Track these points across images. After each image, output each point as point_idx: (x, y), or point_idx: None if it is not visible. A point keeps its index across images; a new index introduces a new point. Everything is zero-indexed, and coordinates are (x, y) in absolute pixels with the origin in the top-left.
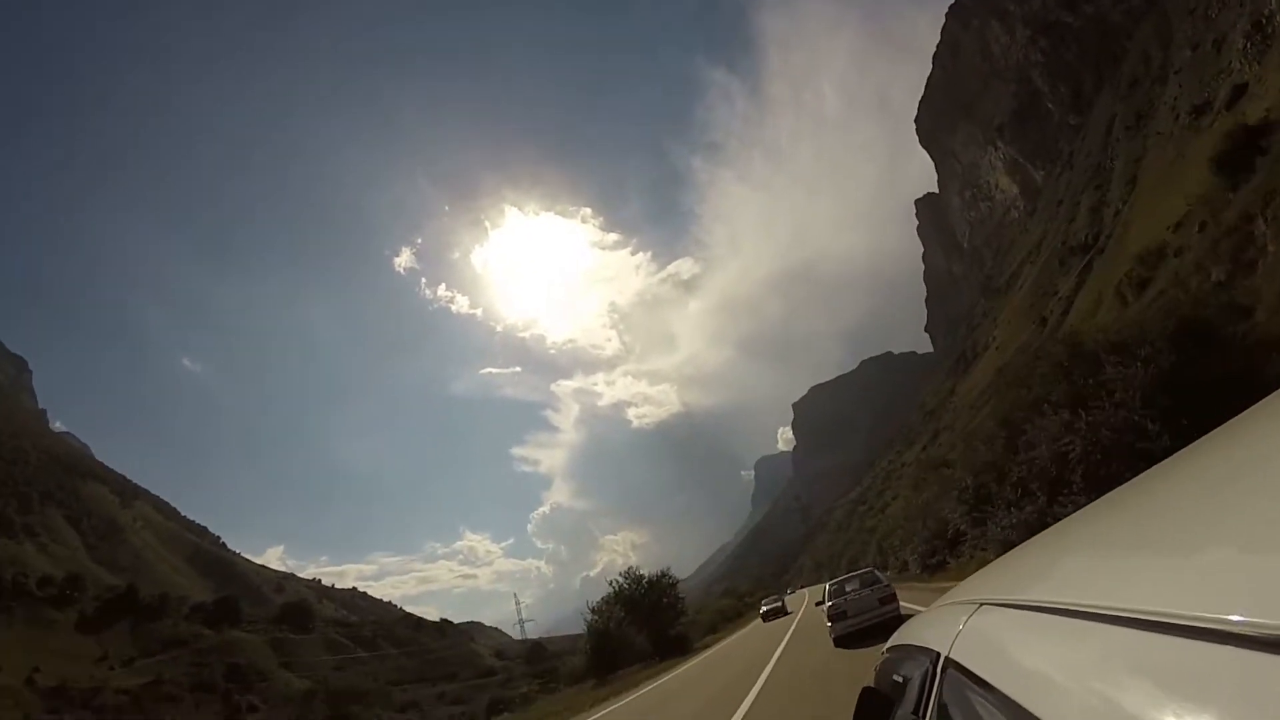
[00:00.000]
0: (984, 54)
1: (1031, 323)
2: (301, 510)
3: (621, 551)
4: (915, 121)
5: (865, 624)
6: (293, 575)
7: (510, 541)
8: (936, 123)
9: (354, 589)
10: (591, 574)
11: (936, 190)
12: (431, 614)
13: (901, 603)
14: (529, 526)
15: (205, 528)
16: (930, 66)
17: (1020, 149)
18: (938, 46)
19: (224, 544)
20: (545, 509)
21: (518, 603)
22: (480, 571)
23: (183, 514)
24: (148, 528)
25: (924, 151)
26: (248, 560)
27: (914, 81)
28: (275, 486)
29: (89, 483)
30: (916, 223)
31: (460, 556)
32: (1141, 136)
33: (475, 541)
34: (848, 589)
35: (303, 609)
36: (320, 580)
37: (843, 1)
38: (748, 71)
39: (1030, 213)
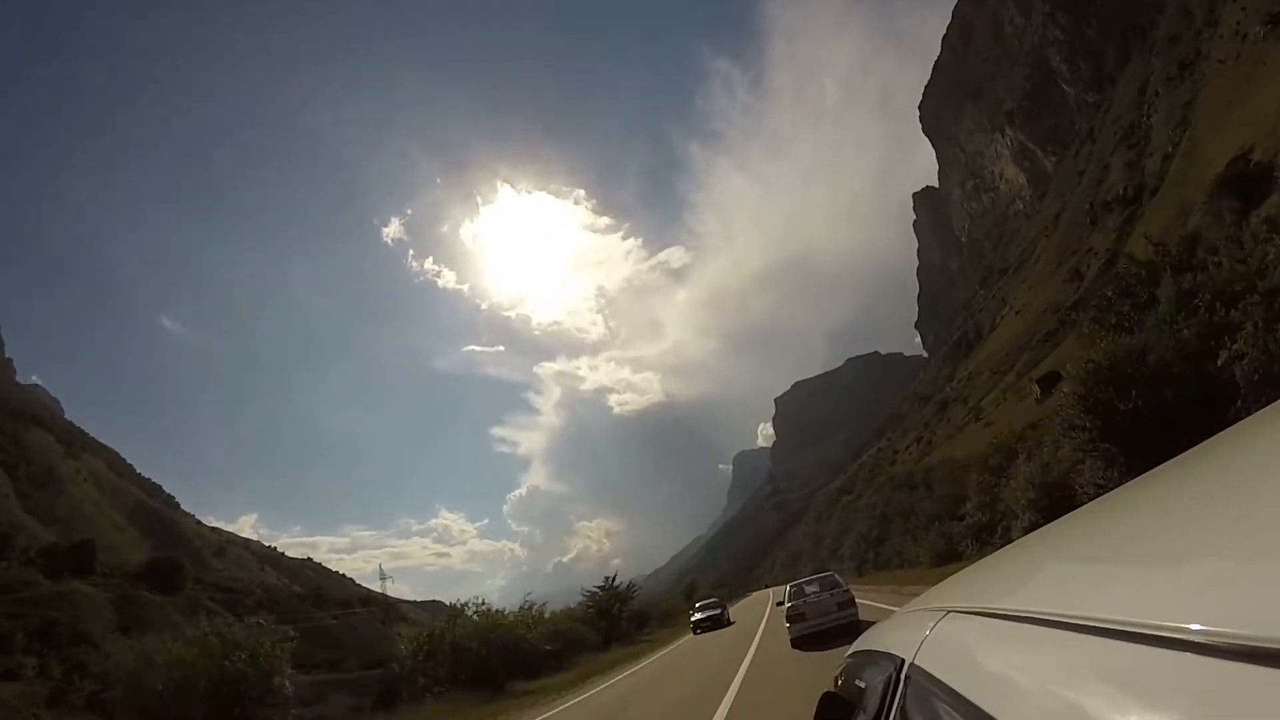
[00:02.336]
0: (997, 35)
1: (1061, 281)
2: (277, 480)
3: (596, 539)
4: (919, 108)
5: (823, 627)
6: (234, 540)
7: (485, 522)
8: (942, 108)
9: (308, 559)
10: (565, 559)
11: (936, 184)
12: (404, 591)
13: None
14: (505, 508)
15: (160, 487)
16: (938, 50)
17: (1031, 134)
18: (947, 28)
19: (176, 504)
20: (522, 491)
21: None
22: (454, 550)
23: (138, 472)
24: (91, 480)
25: (924, 148)
26: (200, 522)
27: (917, 79)
28: (252, 455)
29: (34, 430)
30: (913, 217)
31: (434, 534)
32: (1190, 80)
33: (450, 520)
34: (807, 591)
35: (171, 566)
36: (275, 548)
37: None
38: (751, 61)
39: (1041, 196)
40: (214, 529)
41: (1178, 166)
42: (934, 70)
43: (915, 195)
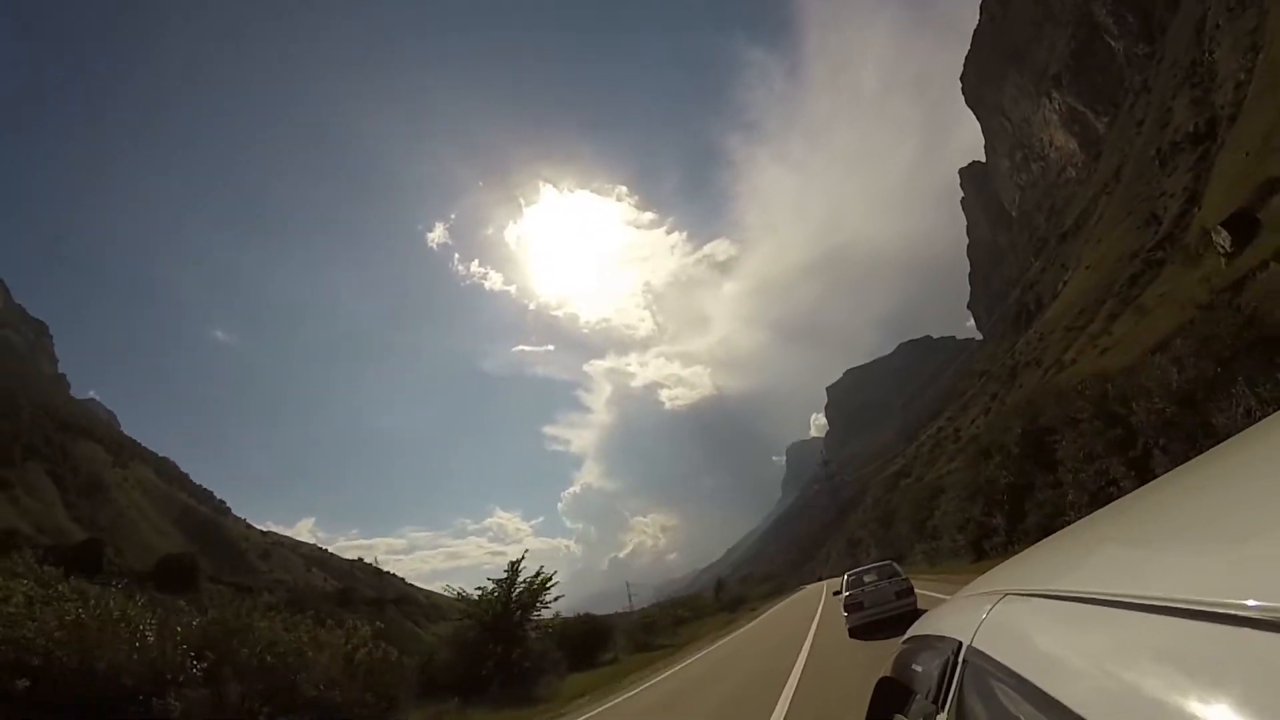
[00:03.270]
0: None
1: (1134, 229)
2: (335, 484)
3: (651, 534)
4: (961, 79)
5: (881, 616)
6: (282, 542)
7: (540, 520)
8: (984, 78)
9: (358, 560)
10: (620, 555)
11: (982, 160)
12: (462, 590)
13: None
14: (559, 505)
15: (210, 493)
16: (976, 21)
17: (1080, 96)
18: None
19: (227, 509)
20: (575, 489)
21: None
22: (509, 549)
23: (192, 479)
24: (138, 488)
25: (967, 125)
26: (251, 526)
27: (955, 57)
28: (309, 461)
29: (82, 441)
30: (960, 195)
31: (490, 533)
32: (1255, 6)
33: (505, 519)
34: (865, 580)
35: (184, 564)
36: (325, 550)
37: None
38: (787, 50)
39: (1096, 157)
40: (264, 532)
41: (1254, 91)
42: (974, 38)
43: (961, 171)
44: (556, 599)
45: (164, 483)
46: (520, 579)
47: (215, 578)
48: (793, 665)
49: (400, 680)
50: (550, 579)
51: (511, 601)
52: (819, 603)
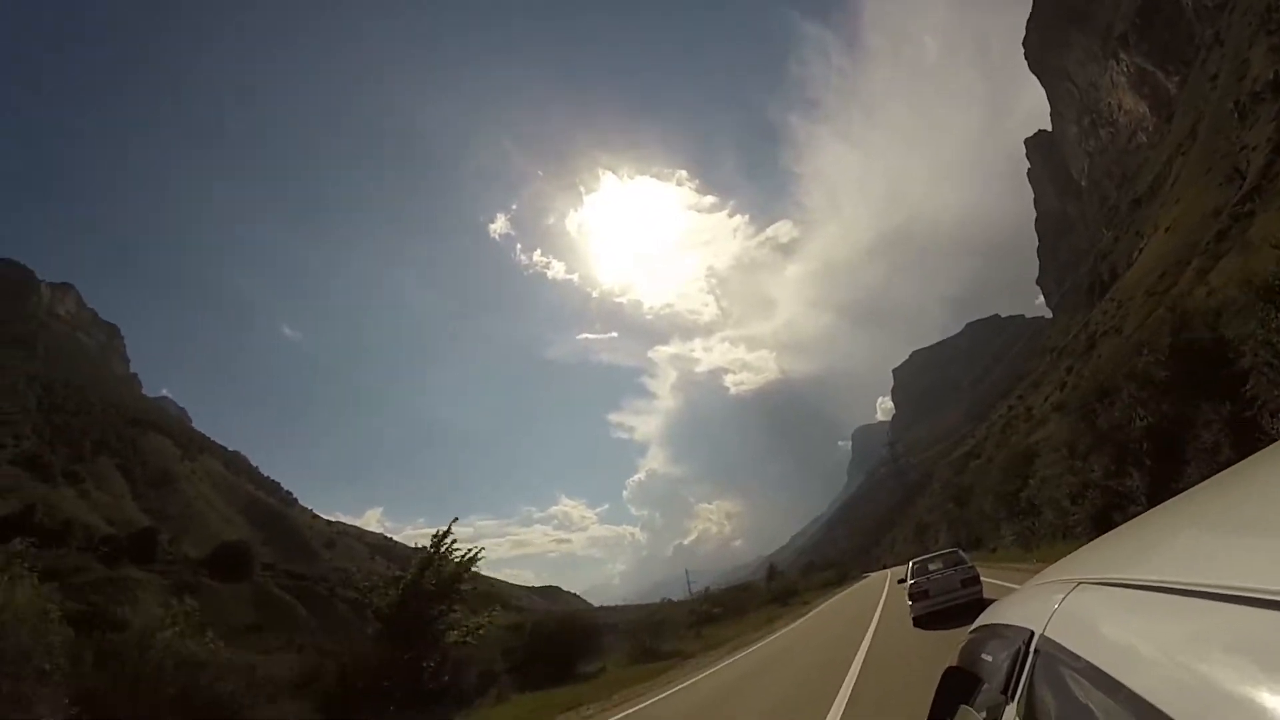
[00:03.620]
0: None
1: (1215, 186)
2: (401, 474)
3: (716, 520)
4: (1023, 44)
5: (947, 605)
6: (347, 531)
7: (605, 507)
8: (1047, 41)
9: (421, 548)
10: (686, 542)
11: (1048, 129)
12: (528, 577)
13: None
14: (624, 493)
15: (278, 484)
16: None
17: (1148, 55)
18: None
19: (293, 500)
20: (640, 476)
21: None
22: (575, 536)
23: (260, 471)
24: (206, 480)
25: (1030, 95)
26: (317, 516)
27: (1016, 24)
28: (376, 452)
29: (150, 435)
30: (1027, 166)
31: (555, 521)
32: None
33: (570, 507)
34: (931, 568)
35: (238, 552)
36: (389, 538)
37: None
38: (842, 23)
39: (1168, 118)
40: (330, 522)
41: None
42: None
43: (1027, 141)
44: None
45: (231, 475)
46: (456, 555)
47: (270, 565)
48: (832, 701)
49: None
50: (478, 555)
51: (419, 585)
52: (880, 596)
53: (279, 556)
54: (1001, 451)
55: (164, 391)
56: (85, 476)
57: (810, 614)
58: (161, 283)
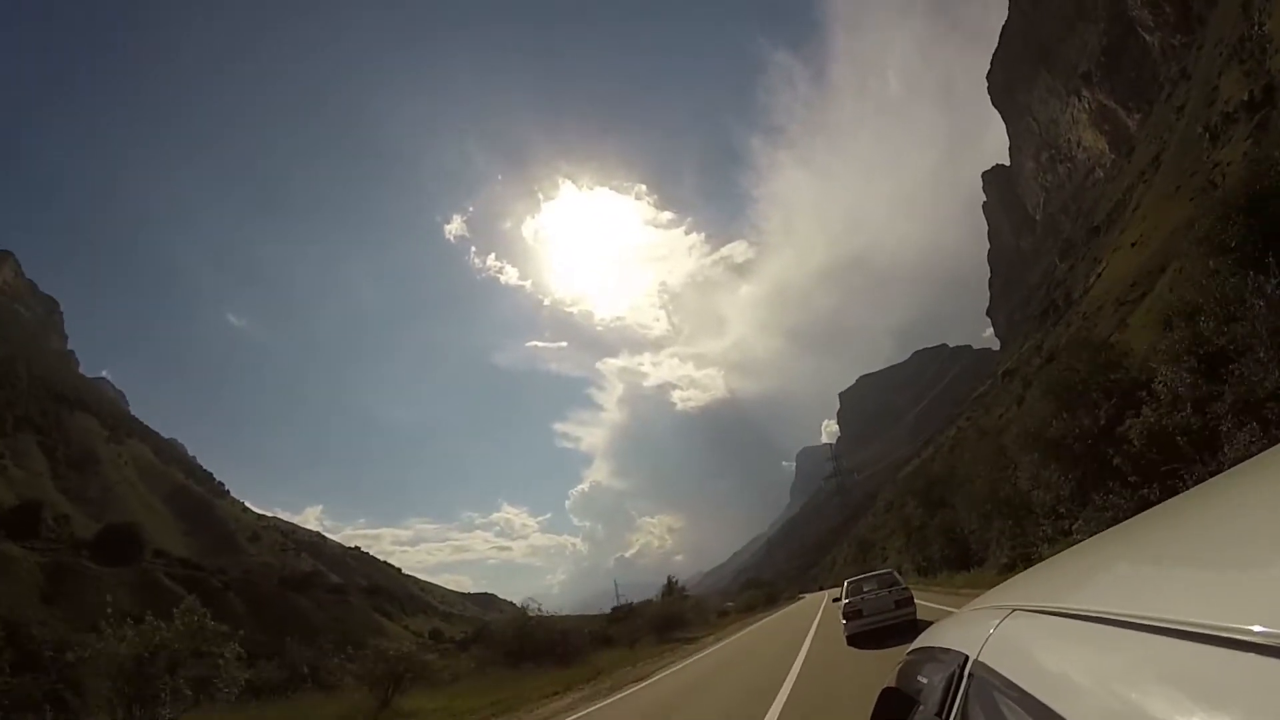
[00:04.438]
0: None
1: (1188, 200)
2: (343, 473)
3: (658, 534)
4: (988, 78)
5: (880, 624)
6: (274, 526)
7: (547, 516)
8: (1012, 77)
9: (355, 548)
10: (627, 555)
11: (1006, 163)
12: (465, 584)
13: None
14: (567, 503)
15: (210, 475)
16: (1001, 31)
17: (1111, 93)
18: None
19: (225, 491)
20: (584, 486)
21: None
22: (515, 544)
23: (195, 461)
24: (132, 465)
25: (990, 135)
26: (246, 508)
27: (980, 65)
28: (319, 449)
29: (79, 414)
30: (983, 199)
31: (497, 528)
32: None
33: (513, 514)
34: (865, 589)
35: (126, 535)
36: (322, 535)
37: None
38: (812, 53)
39: (1129, 152)
40: (259, 516)
41: None
42: (1002, 36)
43: (984, 175)
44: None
45: (161, 462)
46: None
47: (163, 552)
48: None
49: None
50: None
51: None
52: (810, 626)
53: (199, 547)
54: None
55: (104, 373)
56: (4, 452)
57: (682, 666)
58: (107, 260)
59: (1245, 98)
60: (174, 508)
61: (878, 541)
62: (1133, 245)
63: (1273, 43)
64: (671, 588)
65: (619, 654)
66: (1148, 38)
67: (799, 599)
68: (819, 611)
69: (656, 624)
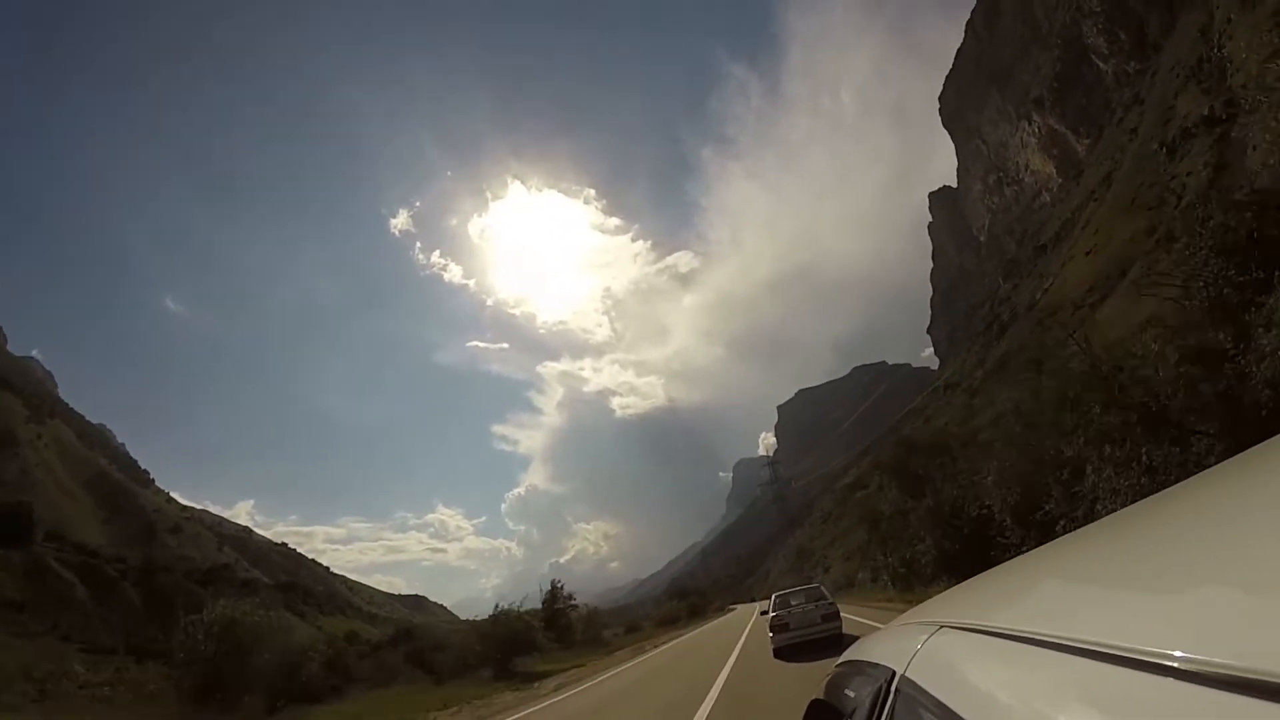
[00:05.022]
0: (1025, 17)
1: (1145, 210)
2: (277, 468)
3: (594, 541)
4: (939, 99)
5: (806, 638)
6: (196, 518)
7: (482, 519)
8: (964, 99)
9: (282, 544)
10: (562, 560)
11: (954, 185)
12: (399, 585)
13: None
14: (503, 506)
15: (135, 462)
16: (955, 57)
17: (1062, 118)
18: (972, 12)
19: (149, 480)
20: (520, 490)
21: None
22: (450, 546)
23: (124, 447)
24: (52, 447)
25: (939, 157)
26: (170, 499)
27: (933, 88)
28: (251, 442)
29: None
30: (929, 220)
31: (431, 529)
32: None
33: (447, 516)
34: (793, 602)
35: (15, 514)
36: (249, 529)
37: (870, 7)
38: (767, 67)
39: (1077, 175)
40: (184, 507)
41: None
42: (956, 58)
43: (931, 195)
44: None
45: (85, 446)
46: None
47: (59, 535)
48: None
49: None
50: None
51: None
52: (733, 648)
53: (116, 536)
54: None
55: (34, 353)
56: None
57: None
58: (43, 238)
59: (1205, 113)
60: (94, 494)
61: (816, 550)
62: (1087, 254)
63: (1233, 62)
64: (556, 594)
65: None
66: (1101, 65)
67: (729, 610)
68: (746, 628)
69: (503, 649)
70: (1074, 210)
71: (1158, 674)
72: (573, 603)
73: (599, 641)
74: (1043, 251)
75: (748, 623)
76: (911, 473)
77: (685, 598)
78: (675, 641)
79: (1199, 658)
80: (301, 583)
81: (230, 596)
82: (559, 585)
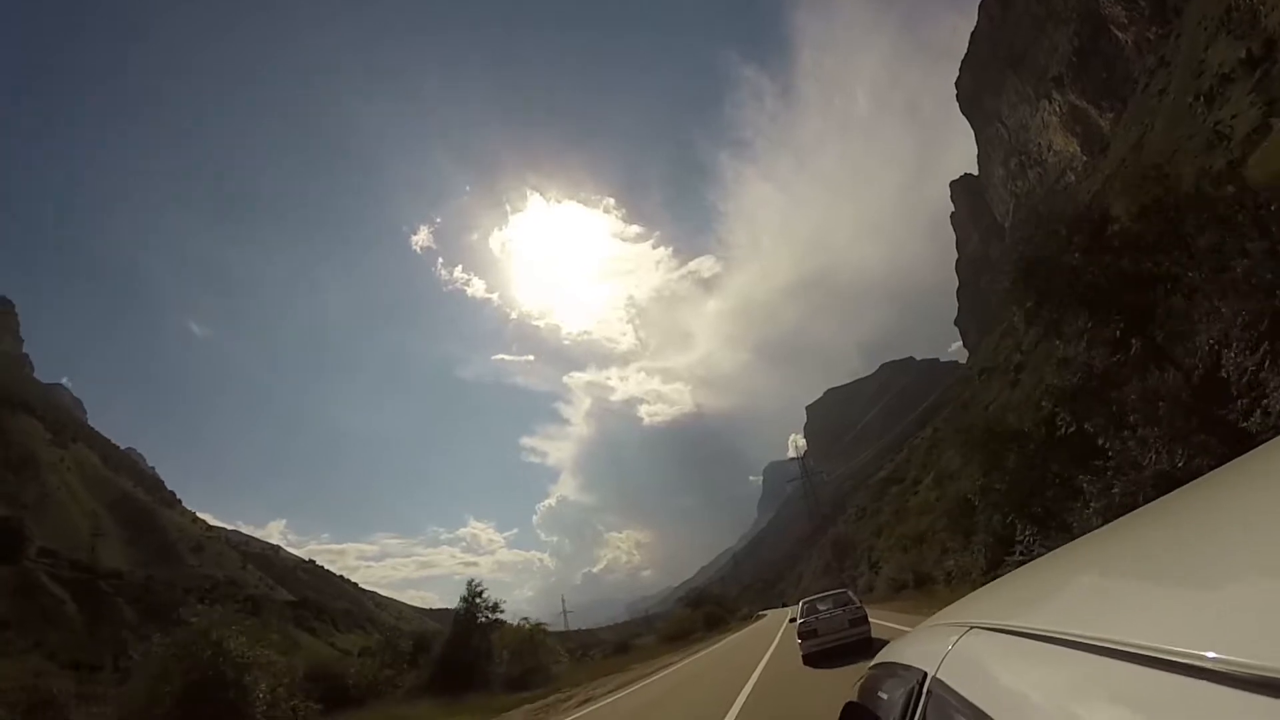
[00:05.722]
0: None
1: (1193, 156)
2: (308, 487)
3: (626, 550)
4: (956, 85)
5: (834, 644)
6: (218, 537)
7: (514, 532)
8: (981, 83)
9: (310, 562)
10: (594, 570)
11: (975, 173)
12: (432, 600)
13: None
14: (534, 518)
15: (161, 483)
16: (970, 42)
17: (1083, 93)
18: None
19: (175, 500)
20: (551, 501)
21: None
22: (482, 560)
23: (154, 471)
24: (75, 470)
25: (958, 145)
26: (196, 519)
27: (946, 84)
28: (283, 462)
29: (20, 416)
30: (951, 210)
31: (463, 543)
32: None
33: (479, 529)
34: (820, 608)
35: (6, 532)
36: (277, 548)
37: (880, 6)
38: (780, 69)
39: (1104, 149)
40: (210, 526)
41: None
42: (971, 41)
43: (953, 184)
44: None
45: (109, 469)
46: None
47: (52, 551)
48: None
49: None
50: None
51: None
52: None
53: (138, 556)
54: (927, 473)
55: (64, 380)
56: None
57: None
58: (70, 266)
59: (1242, 55)
60: (117, 516)
61: (860, 542)
62: None
63: (1266, 3)
64: (473, 607)
65: None
66: (1120, 35)
67: (758, 618)
68: (770, 645)
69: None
70: (1105, 180)
71: (1188, 675)
72: (543, 630)
73: (536, 676)
74: None
75: (775, 635)
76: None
77: (701, 605)
78: (660, 676)
79: (1231, 658)
80: (317, 599)
81: (228, 612)
82: (477, 588)
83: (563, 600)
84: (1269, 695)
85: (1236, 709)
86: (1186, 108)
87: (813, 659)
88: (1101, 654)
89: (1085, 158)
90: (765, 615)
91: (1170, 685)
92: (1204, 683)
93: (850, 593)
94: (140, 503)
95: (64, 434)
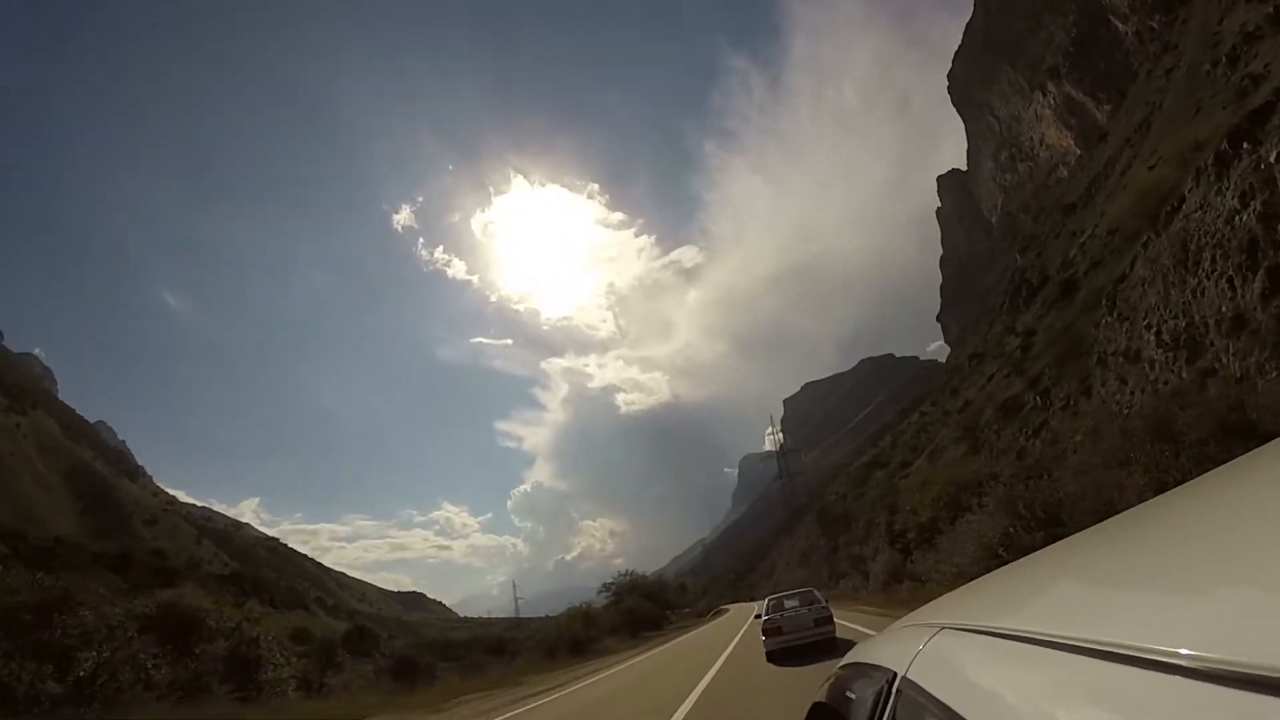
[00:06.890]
0: None
1: (1219, 110)
2: (283, 466)
3: (600, 538)
4: (948, 76)
5: (798, 642)
6: (174, 510)
7: (488, 516)
8: (973, 74)
9: (271, 539)
10: (568, 557)
11: (963, 168)
12: (404, 583)
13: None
14: (508, 503)
15: (122, 455)
16: (962, 37)
17: (1080, 84)
18: None
19: (140, 472)
20: (526, 487)
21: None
22: (455, 544)
23: (124, 443)
24: (31, 438)
25: (945, 143)
26: (160, 493)
27: (937, 80)
28: (257, 440)
29: None
30: (937, 205)
31: (436, 527)
32: None
33: (453, 513)
34: (786, 605)
35: None
36: (238, 521)
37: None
38: (769, 60)
39: (1101, 138)
40: (171, 501)
41: None
42: (965, 32)
43: (940, 179)
44: None
45: (70, 439)
46: None
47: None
48: None
49: None
50: None
51: None
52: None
53: (91, 527)
54: (916, 456)
55: (36, 350)
56: None
57: None
58: (38, 235)
59: (1270, 10)
60: (72, 485)
61: (858, 514)
62: (1151, 168)
63: None
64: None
65: None
66: (1121, 25)
67: (721, 613)
68: (745, 622)
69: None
70: (1106, 163)
71: (1160, 671)
72: None
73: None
74: (1071, 211)
75: (730, 643)
76: None
77: (623, 600)
78: (595, 680)
79: (1202, 654)
80: (263, 576)
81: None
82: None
83: (514, 586)
84: (1241, 690)
85: (1208, 705)
86: (1204, 75)
87: (775, 656)
88: (1073, 652)
89: (1079, 151)
90: (728, 611)
91: (1141, 682)
92: (1175, 678)
93: (816, 591)
94: (98, 474)
95: (23, 401)
